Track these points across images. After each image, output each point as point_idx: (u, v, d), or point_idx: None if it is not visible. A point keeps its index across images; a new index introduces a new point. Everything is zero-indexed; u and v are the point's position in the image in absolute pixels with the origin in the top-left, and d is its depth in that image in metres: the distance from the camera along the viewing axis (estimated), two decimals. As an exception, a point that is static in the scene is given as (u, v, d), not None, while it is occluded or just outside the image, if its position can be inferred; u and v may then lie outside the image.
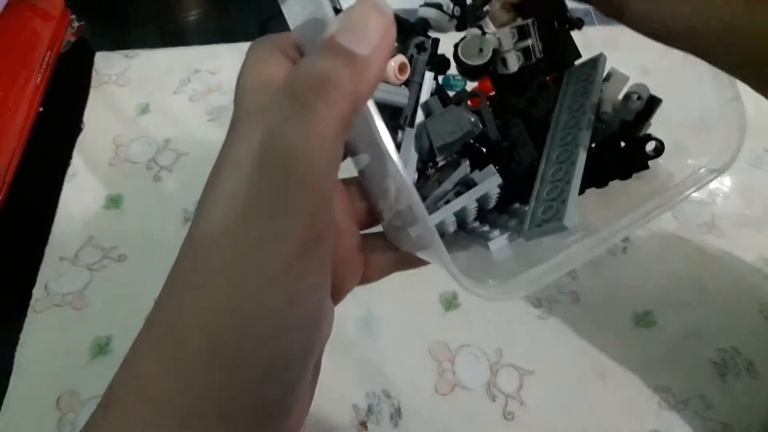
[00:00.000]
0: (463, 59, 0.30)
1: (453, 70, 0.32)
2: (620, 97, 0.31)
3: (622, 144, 0.30)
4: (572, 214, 0.25)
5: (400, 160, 0.19)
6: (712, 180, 0.27)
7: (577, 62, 0.33)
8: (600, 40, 0.32)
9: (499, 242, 0.26)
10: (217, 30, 0.70)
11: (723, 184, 0.56)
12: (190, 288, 0.19)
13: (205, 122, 0.59)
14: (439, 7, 0.30)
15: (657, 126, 0.31)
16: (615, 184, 0.30)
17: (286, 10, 0.23)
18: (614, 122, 0.30)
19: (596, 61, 0.31)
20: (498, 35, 0.30)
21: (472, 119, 0.28)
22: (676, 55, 0.23)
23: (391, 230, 0.26)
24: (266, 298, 0.19)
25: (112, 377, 0.20)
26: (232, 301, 0.19)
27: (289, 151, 0.18)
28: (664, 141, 0.29)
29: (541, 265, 0.23)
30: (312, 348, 0.21)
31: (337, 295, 0.24)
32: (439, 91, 0.30)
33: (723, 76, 0.26)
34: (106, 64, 0.63)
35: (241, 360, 0.19)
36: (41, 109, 0.57)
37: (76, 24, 0.64)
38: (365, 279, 0.27)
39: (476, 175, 0.28)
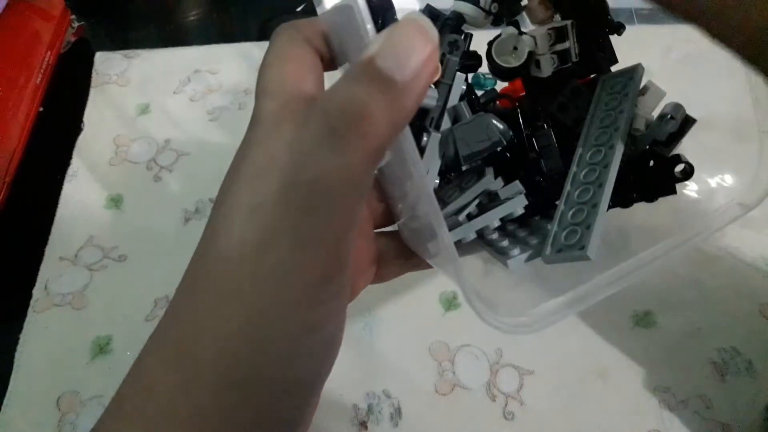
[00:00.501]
0: (497, 60, 0.29)
1: (484, 67, 0.31)
2: (654, 114, 0.30)
3: (650, 163, 0.29)
4: (596, 244, 0.24)
5: (424, 174, 0.18)
6: (741, 216, 0.26)
7: (613, 68, 0.32)
8: (631, 40, 0.31)
9: (518, 261, 0.26)
10: (218, 30, 0.70)
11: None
12: (207, 307, 0.19)
13: (206, 122, 0.59)
14: (475, 2, 0.29)
15: (685, 147, 0.30)
16: (639, 206, 0.29)
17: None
18: (644, 140, 0.29)
19: (633, 72, 0.30)
20: (534, 36, 0.28)
21: (501, 127, 0.27)
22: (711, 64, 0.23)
23: (407, 233, 0.25)
24: (284, 325, 0.19)
25: (119, 387, 0.20)
26: (249, 325, 0.18)
27: (317, 181, 0.17)
28: (693, 164, 0.28)
29: (560, 297, 0.22)
30: (325, 371, 0.21)
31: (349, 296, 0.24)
32: (468, 92, 0.29)
33: (763, 105, 0.25)
34: (106, 64, 0.63)
35: (255, 383, 0.19)
36: (41, 109, 0.57)
37: (76, 24, 0.64)
38: (377, 278, 0.27)
39: (501, 191, 0.27)
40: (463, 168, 0.28)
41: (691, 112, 0.30)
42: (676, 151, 0.30)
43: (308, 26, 0.22)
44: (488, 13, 0.29)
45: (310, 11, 0.71)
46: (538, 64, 0.29)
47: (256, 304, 0.18)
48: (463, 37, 0.29)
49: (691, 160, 0.30)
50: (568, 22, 0.29)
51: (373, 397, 0.42)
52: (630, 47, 0.32)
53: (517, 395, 0.42)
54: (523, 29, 0.30)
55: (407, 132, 0.18)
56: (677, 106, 0.29)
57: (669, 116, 0.29)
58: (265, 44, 0.69)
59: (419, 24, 0.17)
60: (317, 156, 0.17)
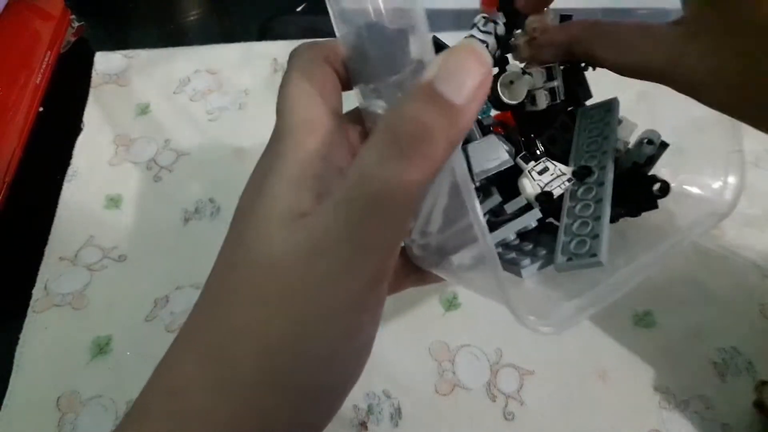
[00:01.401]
0: (502, 95, 0.31)
1: None
2: (631, 140, 0.33)
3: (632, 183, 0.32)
4: (605, 251, 0.26)
5: (473, 190, 0.19)
6: (715, 224, 0.29)
7: (588, 102, 0.35)
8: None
9: (530, 270, 0.28)
10: (218, 30, 0.70)
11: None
12: (244, 310, 0.19)
13: (206, 122, 0.59)
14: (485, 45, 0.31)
15: (664, 166, 0.33)
16: (624, 221, 0.32)
17: (334, 15, 0.23)
18: (626, 162, 0.32)
19: (610, 104, 0.33)
20: (531, 73, 0.31)
21: (507, 148, 0.29)
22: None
23: (418, 249, 0.26)
24: (328, 331, 0.19)
25: (144, 389, 0.20)
26: (292, 329, 0.19)
27: (379, 195, 0.18)
28: (669, 181, 0.31)
29: (578, 298, 0.24)
30: (357, 376, 0.22)
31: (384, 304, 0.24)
32: None
33: (727, 125, 0.29)
34: (106, 64, 0.63)
35: (291, 385, 0.19)
36: (41, 108, 0.57)
37: (76, 24, 0.64)
38: None
39: (507, 205, 0.29)
40: (476, 185, 0.30)
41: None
42: (653, 172, 0.33)
43: (327, 47, 0.23)
44: (493, 56, 0.32)
45: (310, 11, 0.71)
46: (533, 100, 0.32)
47: (302, 308, 0.19)
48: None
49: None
50: (555, 63, 0.31)
51: (373, 397, 0.42)
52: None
53: (517, 395, 0.42)
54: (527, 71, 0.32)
55: (459, 151, 0.19)
56: (654, 132, 0.32)
57: (647, 140, 0.32)
58: (265, 43, 0.69)
59: (474, 49, 0.18)
60: (382, 171, 0.18)
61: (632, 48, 0.26)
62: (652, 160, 0.32)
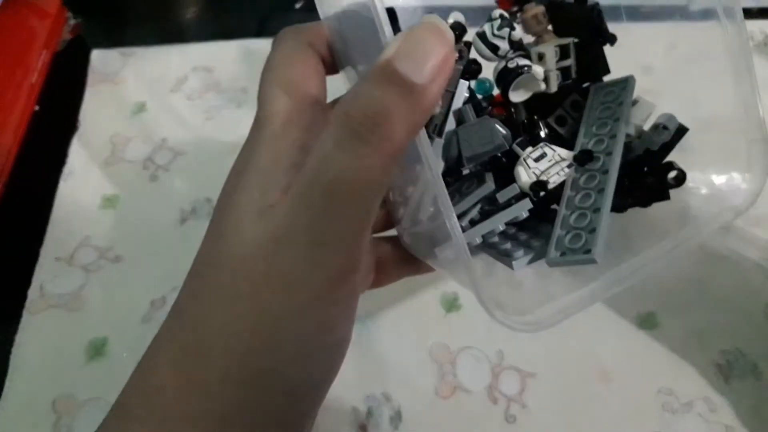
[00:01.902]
0: (510, 97, 0.29)
1: (486, 73, 0.31)
2: (645, 125, 0.31)
3: (644, 170, 0.30)
4: (601, 247, 0.24)
5: (439, 176, 0.18)
6: (732, 220, 0.27)
7: (606, 79, 0.33)
8: (633, 37, 0.32)
9: (522, 263, 0.26)
10: (215, 28, 0.69)
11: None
12: (217, 307, 0.19)
13: (203, 121, 0.58)
14: (494, 49, 0.29)
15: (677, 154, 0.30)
16: (633, 211, 0.30)
17: (318, 3, 0.22)
18: (638, 148, 0.30)
19: (625, 83, 0.31)
20: (544, 53, 0.29)
21: (504, 132, 0.27)
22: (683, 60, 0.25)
23: (408, 238, 0.25)
24: (297, 324, 0.19)
25: (124, 389, 0.20)
26: (262, 325, 0.18)
27: (338, 182, 0.17)
28: (684, 170, 0.29)
29: (567, 295, 0.23)
30: (333, 373, 0.22)
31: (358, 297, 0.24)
32: (471, 99, 0.29)
33: (752, 114, 0.26)
34: (103, 62, 0.63)
35: (267, 382, 0.19)
36: (37, 107, 0.57)
37: (72, 22, 0.64)
38: (375, 284, 0.27)
39: (500, 194, 0.27)
40: (466, 170, 0.29)
41: (694, 110, 0.30)
42: (668, 159, 0.30)
43: (311, 30, 0.23)
44: (503, 57, 0.30)
45: (309, 8, 0.70)
46: (546, 81, 0.29)
47: (270, 303, 0.18)
48: (464, 44, 0.29)
49: (696, 160, 0.30)
50: (571, 41, 0.29)
51: (372, 399, 0.42)
52: (632, 45, 0.32)
53: (519, 398, 0.42)
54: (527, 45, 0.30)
55: (422, 133, 0.18)
56: (671, 117, 0.30)
57: (662, 126, 0.29)
58: (263, 40, 0.69)
59: (435, 26, 0.17)
60: (338, 158, 0.17)
61: None
62: (667, 146, 0.30)
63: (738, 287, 0.47)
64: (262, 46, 0.64)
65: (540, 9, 0.30)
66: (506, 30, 0.29)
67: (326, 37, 0.23)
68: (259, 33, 0.68)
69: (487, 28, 0.29)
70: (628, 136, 0.30)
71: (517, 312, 0.22)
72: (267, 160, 0.20)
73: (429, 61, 0.17)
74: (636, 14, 0.34)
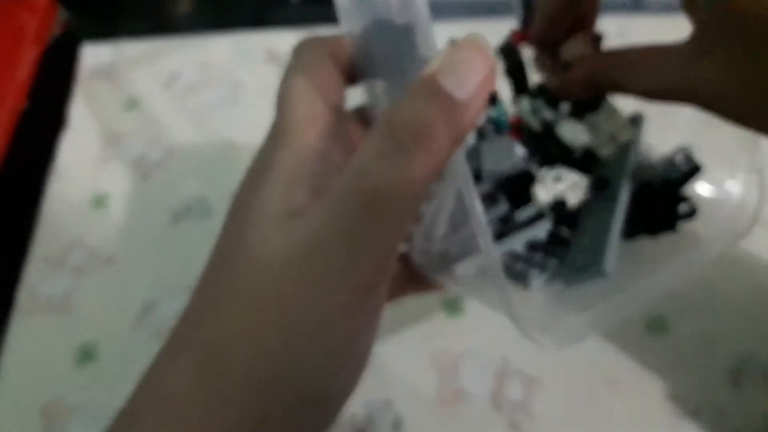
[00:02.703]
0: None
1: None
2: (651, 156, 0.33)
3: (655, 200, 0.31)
4: (611, 263, 0.26)
5: (476, 197, 0.18)
6: (735, 243, 0.29)
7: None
8: (611, 32, 0.32)
9: (538, 283, 0.27)
10: (210, 21, 0.69)
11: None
12: (238, 314, 0.19)
13: (198, 117, 0.57)
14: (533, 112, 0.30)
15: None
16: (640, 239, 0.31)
17: (341, 9, 0.23)
18: (656, 177, 0.31)
19: (635, 119, 0.33)
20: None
21: (522, 155, 0.28)
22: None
23: (421, 257, 0.26)
24: (325, 335, 0.19)
25: (131, 397, 0.20)
26: (288, 332, 0.18)
27: (379, 191, 0.17)
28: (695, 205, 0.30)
29: (585, 312, 0.24)
30: (356, 382, 0.22)
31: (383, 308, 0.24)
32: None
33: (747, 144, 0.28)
34: (94, 57, 0.62)
35: (288, 394, 0.19)
36: (26, 104, 0.56)
37: (62, 17, 0.63)
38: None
39: (517, 213, 0.29)
40: (481, 186, 0.29)
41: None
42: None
43: (332, 42, 0.23)
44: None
45: (305, 1, 0.69)
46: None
47: (299, 311, 0.18)
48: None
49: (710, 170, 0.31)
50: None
51: (372, 405, 0.41)
52: (643, 38, 0.32)
53: (524, 404, 0.41)
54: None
55: (462, 151, 0.18)
56: (688, 149, 0.31)
57: (685, 156, 0.31)
58: (258, 34, 0.68)
59: (479, 44, 0.18)
60: (379, 167, 0.17)
61: (650, 70, 0.25)
62: (684, 179, 0.31)
63: (750, 291, 0.46)
64: (259, 39, 0.63)
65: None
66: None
67: (346, 49, 0.23)
68: (254, 24, 0.67)
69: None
70: (637, 164, 0.31)
71: (544, 330, 0.23)
72: (289, 165, 0.20)
73: (472, 78, 0.18)
74: (642, 5, 0.34)
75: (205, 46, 0.63)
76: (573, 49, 0.29)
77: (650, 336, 0.44)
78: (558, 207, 0.28)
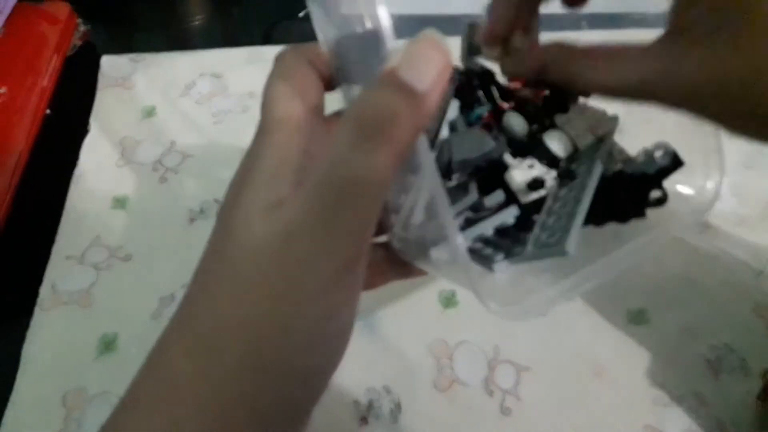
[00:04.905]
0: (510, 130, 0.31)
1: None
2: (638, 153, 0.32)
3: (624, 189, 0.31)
4: (573, 243, 0.27)
5: (439, 179, 0.20)
6: (697, 221, 0.30)
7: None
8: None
9: (503, 265, 0.28)
10: (222, 34, 0.71)
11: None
12: (229, 297, 0.20)
13: (211, 125, 0.60)
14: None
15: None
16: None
17: (316, 22, 0.24)
18: (635, 170, 0.31)
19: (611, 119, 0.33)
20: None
21: (493, 144, 0.29)
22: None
23: (400, 243, 0.27)
24: (308, 311, 0.20)
25: (133, 380, 0.21)
26: (274, 312, 0.20)
27: (349, 178, 0.19)
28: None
29: (546, 289, 0.25)
30: (337, 360, 0.23)
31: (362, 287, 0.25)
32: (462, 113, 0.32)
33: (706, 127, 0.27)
34: (113, 67, 0.64)
35: (278, 369, 0.20)
36: (48, 111, 0.58)
37: (82, 28, 0.65)
38: (367, 286, 0.28)
39: (486, 199, 0.29)
40: (454, 175, 0.30)
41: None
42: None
43: (310, 50, 0.24)
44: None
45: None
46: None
47: (283, 291, 0.19)
48: (454, 69, 0.31)
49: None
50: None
51: (373, 392, 0.43)
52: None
53: (514, 391, 0.43)
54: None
55: (423, 139, 0.19)
56: (666, 144, 0.31)
57: (663, 151, 0.31)
58: (269, 48, 0.70)
59: (433, 38, 0.19)
60: (350, 157, 0.19)
61: (620, 65, 0.25)
62: (664, 174, 0.31)
63: (727, 285, 0.48)
64: (269, 52, 0.66)
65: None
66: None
67: (324, 56, 0.24)
68: (264, 41, 0.69)
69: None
70: (610, 155, 0.31)
71: (507, 303, 0.24)
72: (273, 162, 0.22)
73: (429, 70, 0.19)
74: (625, 21, 0.35)
75: (217, 59, 0.65)
76: (517, 43, 0.30)
77: (633, 327, 0.46)
78: (536, 184, 0.28)
